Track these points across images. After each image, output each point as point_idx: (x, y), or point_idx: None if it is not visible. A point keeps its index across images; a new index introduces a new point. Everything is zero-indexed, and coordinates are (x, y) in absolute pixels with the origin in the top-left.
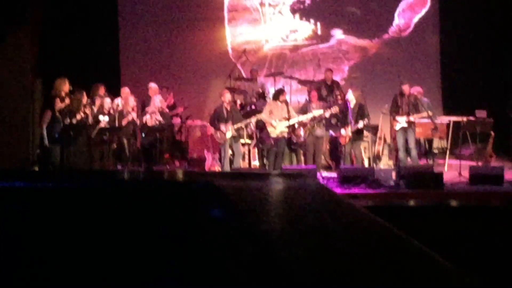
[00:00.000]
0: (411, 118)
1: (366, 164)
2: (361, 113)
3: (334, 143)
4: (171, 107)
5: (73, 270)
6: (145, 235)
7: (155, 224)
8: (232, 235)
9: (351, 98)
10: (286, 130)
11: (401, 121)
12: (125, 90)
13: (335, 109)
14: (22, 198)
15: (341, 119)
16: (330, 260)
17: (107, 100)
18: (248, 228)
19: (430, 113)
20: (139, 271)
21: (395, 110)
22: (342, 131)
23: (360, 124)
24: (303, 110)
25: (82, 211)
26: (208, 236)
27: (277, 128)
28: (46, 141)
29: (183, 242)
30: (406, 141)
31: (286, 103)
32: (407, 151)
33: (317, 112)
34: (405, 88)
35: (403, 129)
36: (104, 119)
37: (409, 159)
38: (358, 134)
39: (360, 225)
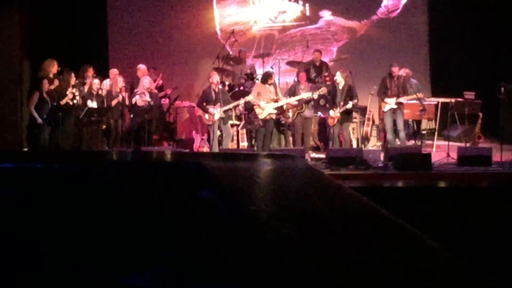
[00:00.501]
0: (400, 100)
1: (354, 145)
2: (349, 94)
3: (323, 124)
4: (160, 88)
5: (61, 252)
6: (134, 215)
7: (144, 204)
8: (220, 215)
9: (340, 79)
10: (274, 112)
11: (390, 103)
12: (114, 71)
13: (323, 90)
14: (11, 178)
15: (330, 100)
16: (318, 241)
17: (96, 81)
18: (237, 209)
19: (419, 95)
20: (127, 251)
21: (384, 91)
22: (331, 112)
23: (349, 105)
24: (292, 91)
25: (70, 192)
26: (196, 216)
27: (265, 110)
28: (38, 120)
29: (172, 222)
30: (395, 123)
31: (274, 85)
32: (395, 132)
33: (305, 94)
34: (395, 69)
35: (392, 111)
36: (92, 105)
37: (397, 140)
38: (346, 115)
39: (348, 206)
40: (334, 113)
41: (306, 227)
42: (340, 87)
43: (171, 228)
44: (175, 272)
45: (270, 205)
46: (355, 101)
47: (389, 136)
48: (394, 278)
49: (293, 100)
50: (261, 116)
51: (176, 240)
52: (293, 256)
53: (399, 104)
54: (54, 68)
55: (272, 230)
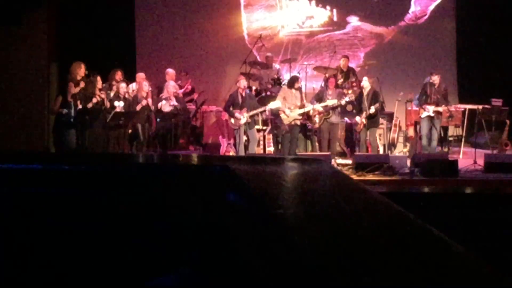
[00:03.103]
0: (439, 109)
1: (381, 151)
2: (374, 99)
3: (350, 130)
4: (189, 93)
5: (89, 250)
6: (161, 218)
7: (171, 207)
8: (247, 218)
9: (366, 84)
10: (299, 118)
11: (428, 110)
12: (140, 75)
13: (351, 97)
14: (37, 180)
15: (356, 106)
16: (345, 244)
17: (122, 85)
18: (264, 212)
19: (451, 108)
20: (155, 253)
21: (424, 98)
22: (357, 118)
23: (372, 109)
24: (319, 96)
25: (96, 194)
26: (223, 219)
27: (290, 115)
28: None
29: (198, 225)
30: (430, 130)
31: (300, 90)
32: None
33: (331, 101)
34: (434, 78)
35: (429, 118)
36: (119, 105)
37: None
38: (372, 121)
39: (375, 210)
40: (361, 119)
41: (333, 230)
42: (366, 92)
43: (198, 231)
44: (202, 274)
45: (297, 208)
46: (377, 105)
47: (424, 142)
48: (422, 283)
49: (319, 107)
50: (285, 122)
51: (203, 242)
52: (319, 259)
53: (438, 112)
54: (81, 71)
55: (299, 233)
